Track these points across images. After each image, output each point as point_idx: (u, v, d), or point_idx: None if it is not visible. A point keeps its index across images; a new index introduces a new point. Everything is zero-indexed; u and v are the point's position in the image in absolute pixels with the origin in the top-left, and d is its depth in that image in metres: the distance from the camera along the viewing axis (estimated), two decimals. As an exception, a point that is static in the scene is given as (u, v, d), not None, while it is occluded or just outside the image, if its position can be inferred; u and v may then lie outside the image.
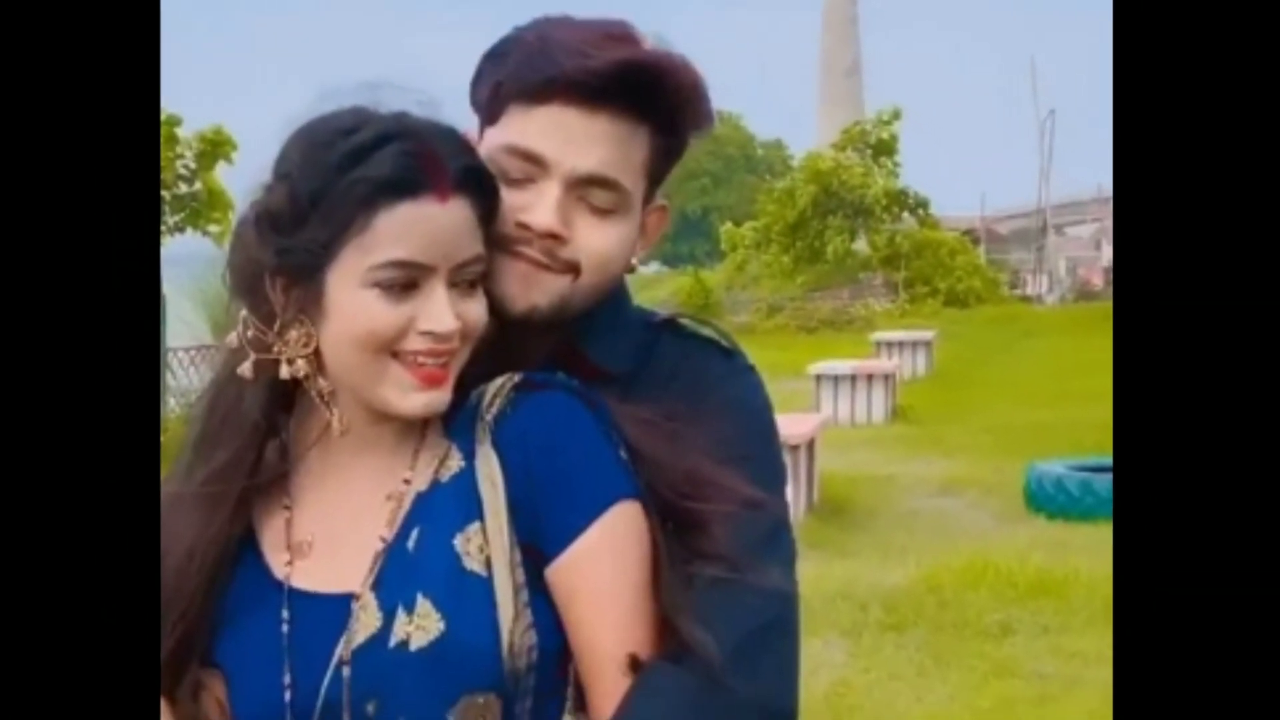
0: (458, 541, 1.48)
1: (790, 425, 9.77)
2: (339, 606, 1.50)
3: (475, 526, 1.49)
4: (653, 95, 1.59)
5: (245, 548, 1.57)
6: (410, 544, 1.50)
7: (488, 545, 1.48)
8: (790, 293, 35.44)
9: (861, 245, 37.44)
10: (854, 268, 37.12)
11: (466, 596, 1.46)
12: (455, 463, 1.53)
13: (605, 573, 1.48)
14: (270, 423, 1.57)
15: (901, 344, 23.12)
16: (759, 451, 1.64)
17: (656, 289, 37.60)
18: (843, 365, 17.92)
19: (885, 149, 38.49)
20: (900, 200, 37.90)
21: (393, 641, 1.46)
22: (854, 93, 48.74)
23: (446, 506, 1.51)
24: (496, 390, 1.53)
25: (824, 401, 16.75)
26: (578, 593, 1.48)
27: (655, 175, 1.67)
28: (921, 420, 17.10)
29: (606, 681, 1.48)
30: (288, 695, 1.49)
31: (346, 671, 1.47)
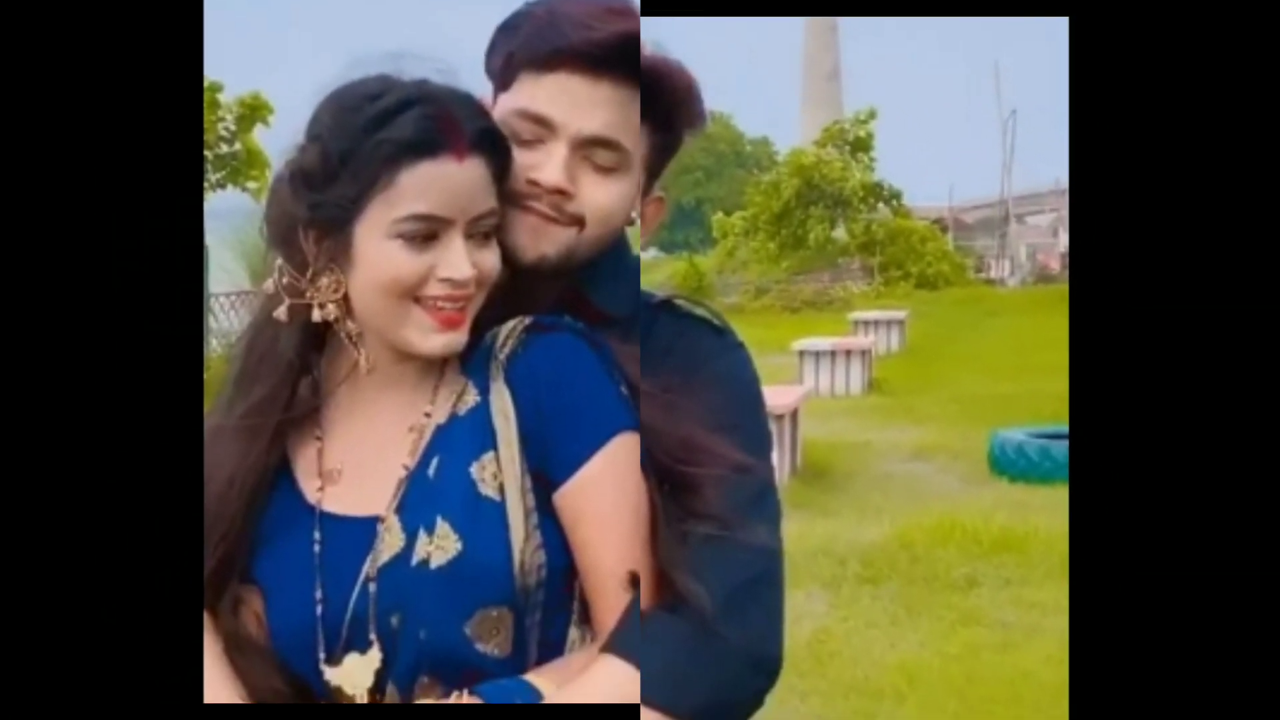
0: (473, 469, 1.50)
1: (775, 396, 9.75)
2: (366, 528, 1.51)
3: (489, 455, 1.50)
4: (653, 88, 1.61)
5: (281, 475, 1.58)
6: (430, 471, 1.51)
7: (501, 473, 1.49)
8: (776, 276, 35.30)
9: (840, 233, 37.26)
10: (834, 253, 36.95)
11: (482, 519, 1.48)
12: (471, 397, 1.54)
13: (607, 497, 1.50)
14: (303, 361, 1.58)
15: (877, 323, 23.01)
16: (747, 420, 1.65)
17: (655, 273, 37.40)
18: (823, 342, 17.84)
19: (862, 145, 38.29)
20: (876, 192, 37.72)
21: (414, 560, 1.47)
22: (834, 94, 48.44)
23: (463, 437, 1.52)
24: (509, 332, 1.54)
25: (806, 375, 16.69)
26: (582, 516, 1.50)
27: (654, 169, 1.68)
28: (895, 392, 17.04)
29: (609, 597, 1.49)
30: (319, 609, 1.50)
31: (373, 588, 1.49)
